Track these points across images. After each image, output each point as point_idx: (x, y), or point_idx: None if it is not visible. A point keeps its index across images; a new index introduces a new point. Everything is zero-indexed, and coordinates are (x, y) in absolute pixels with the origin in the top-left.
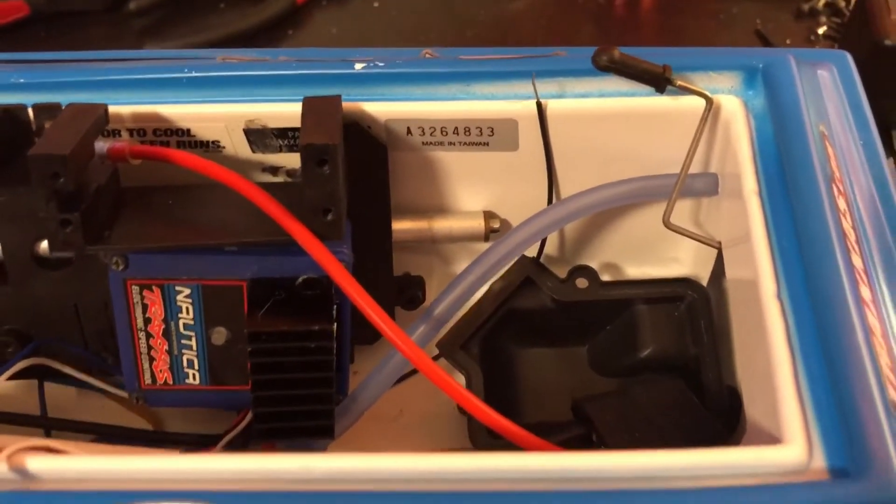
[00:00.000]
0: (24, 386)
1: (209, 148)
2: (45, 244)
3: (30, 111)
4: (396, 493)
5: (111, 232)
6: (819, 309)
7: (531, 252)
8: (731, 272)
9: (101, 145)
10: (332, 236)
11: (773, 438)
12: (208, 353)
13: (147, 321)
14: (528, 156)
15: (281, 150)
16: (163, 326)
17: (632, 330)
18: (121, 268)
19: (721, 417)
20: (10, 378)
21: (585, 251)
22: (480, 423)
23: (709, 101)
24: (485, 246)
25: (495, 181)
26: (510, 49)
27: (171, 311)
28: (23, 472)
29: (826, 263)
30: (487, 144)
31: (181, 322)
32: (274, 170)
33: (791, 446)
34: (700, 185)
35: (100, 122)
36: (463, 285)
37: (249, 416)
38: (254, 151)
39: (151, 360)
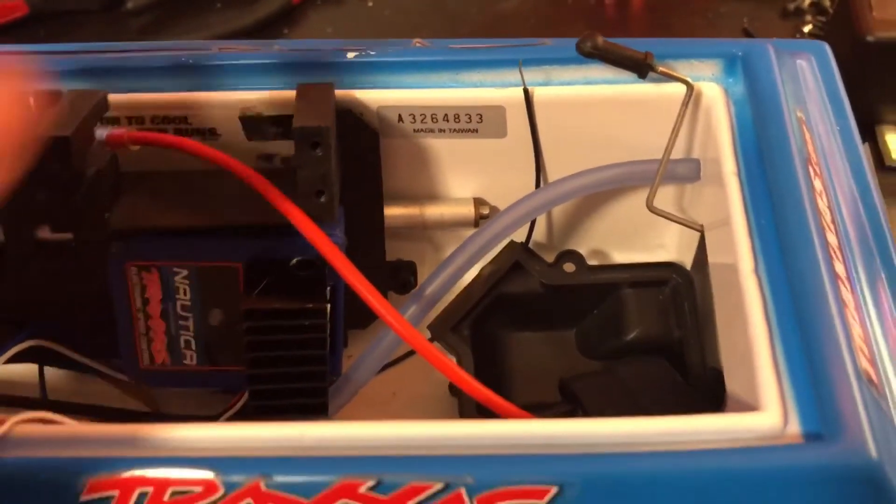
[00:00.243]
0: (23, 372)
1: (206, 136)
2: (45, 228)
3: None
4: (387, 457)
5: (111, 214)
6: (795, 284)
7: (520, 237)
8: (712, 255)
9: (101, 132)
10: (326, 218)
11: (750, 407)
12: (205, 334)
13: (145, 302)
14: (516, 142)
15: (276, 138)
16: (160, 308)
17: (618, 313)
18: (120, 250)
19: (705, 397)
20: (10, 361)
21: (573, 237)
22: (471, 401)
23: (689, 87)
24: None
25: (484, 167)
26: (498, 39)
27: (169, 292)
28: (24, 441)
29: (801, 241)
30: (476, 131)
31: (178, 303)
32: (269, 157)
33: (767, 413)
34: (682, 170)
35: (100, 107)
36: (452, 266)
37: (245, 396)
38: (249, 139)
39: (150, 341)
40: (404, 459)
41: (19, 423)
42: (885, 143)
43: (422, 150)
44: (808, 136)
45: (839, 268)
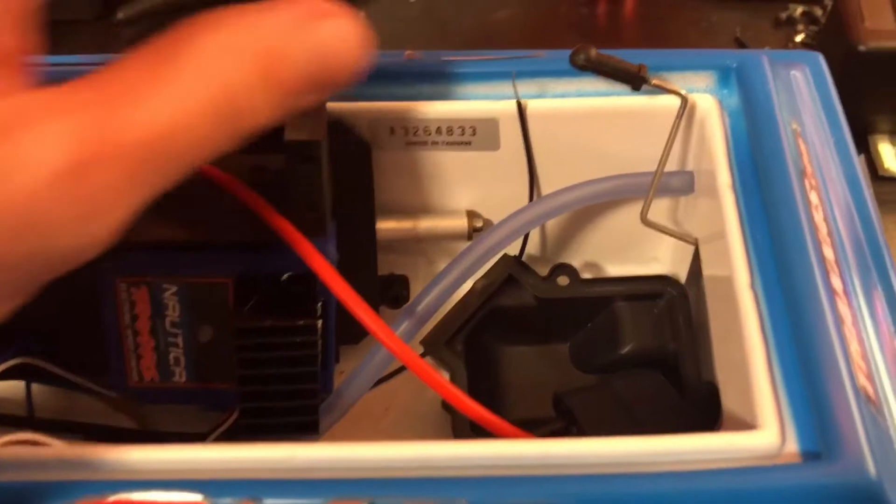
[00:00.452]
0: (10, 388)
1: None
2: None
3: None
4: (379, 479)
5: None
6: (791, 299)
7: (514, 250)
8: (707, 268)
9: None
10: (317, 233)
11: (747, 425)
12: (194, 351)
13: (134, 319)
14: (510, 155)
15: (267, 151)
16: (150, 324)
17: (612, 327)
18: (109, 265)
19: (701, 411)
20: None
21: (566, 250)
22: (464, 418)
23: (683, 99)
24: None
25: (478, 180)
26: (491, 51)
27: (158, 308)
28: (9, 464)
29: (798, 255)
30: (470, 144)
31: (168, 320)
32: (260, 170)
33: (765, 431)
34: (677, 182)
35: None
36: (445, 281)
37: (235, 414)
38: (240, 152)
39: (139, 357)
40: (397, 482)
41: (5, 446)
42: (877, 152)
43: (414, 162)
44: (803, 147)
45: (836, 282)
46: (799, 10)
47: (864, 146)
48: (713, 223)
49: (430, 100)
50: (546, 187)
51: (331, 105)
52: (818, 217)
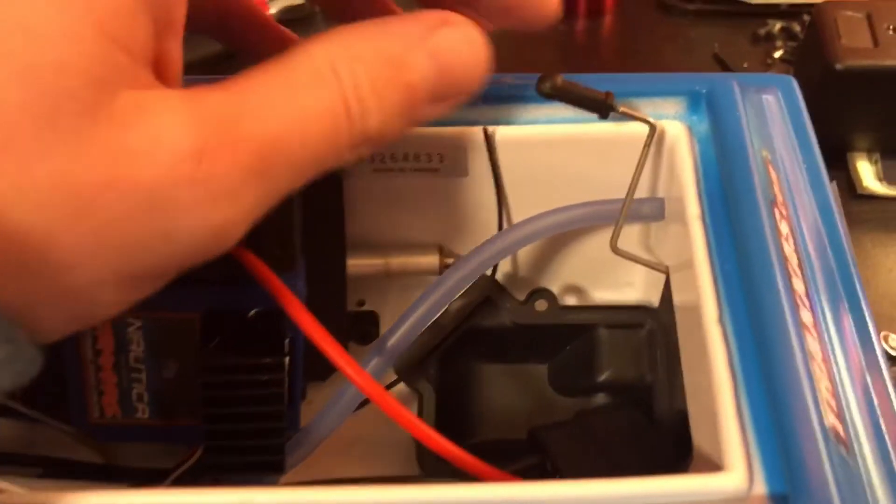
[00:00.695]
0: None
1: None
2: None
3: None
4: None
5: None
6: (760, 334)
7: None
8: (677, 298)
9: None
10: (286, 268)
11: (715, 465)
12: (158, 387)
13: (97, 354)
14: (479, 181)
15: None
16: (113, 360)
17: (591, 353)
18: None
19: (675, 445)
20: None
21: (540, 273)
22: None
23: (652, 127)
24: None
25: (447, 207)
26: None
27: (122, 344)
28: None
29: (766, 288)
30: (438, 170)
31: (132, 355)
32: None
33: (732, 474)
34: (647, 209)
35: None
36: (415, 316)
37: (199, 451)
38: None
39: (100, 394)
40: None
41: None
42: (856, 171)
43: (382, 189)
44: (773, 175)
45: (806, 316)
46: (777, 26)
47: (843, 164)
48: (683, 252)
49: None
50: (516, 214)
51: None
52: (788, 248)
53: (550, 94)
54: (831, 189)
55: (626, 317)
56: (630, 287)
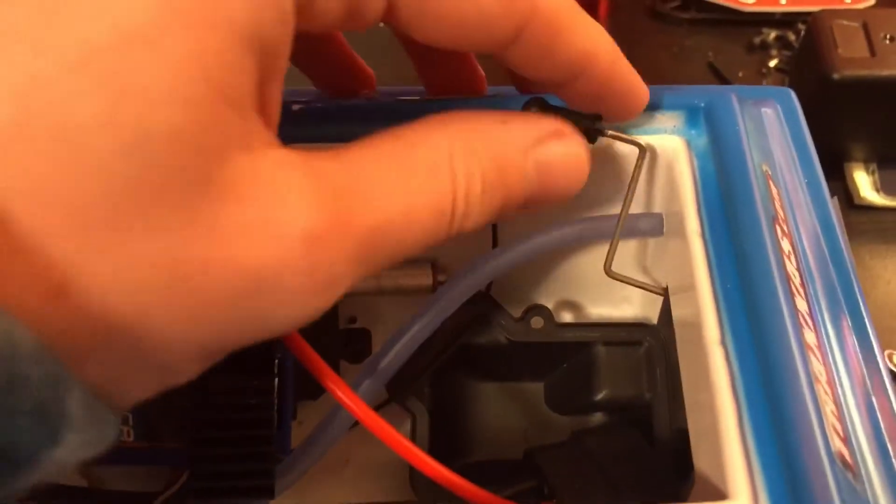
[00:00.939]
0: None
1: None
2: None
3: None
4: None
5: None
6: (762, 356)
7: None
8: (677, 317)
9: None
10: None
11: (718, 491)
12: (143, 409)
13: None
14: None
15: None
16: None
17: (588, 371)
18: None
19: (675, 464)
20: None
21: (535, 288)
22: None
23: (642, 149)
24: None
25: None
26: (446, 97)
27: None
28: None
29: (769, 308)
30: None
31: None
32: None
33: (736, 502)
34: (645, 225)
35: None
36: (407, 336)
37: (185, 475)
38: None
39: None
40: None
41: None
42: (853, 181)
43: None
44: (774, 191)
45: (810, 337)
46: (772, 34)
47: (840, 175)
48: (683, 270)
49: None
50: (510, 230)
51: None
52: (790, 266)
53: None
54: (832, 205)
55: (624, 334)
56: (627, 303)
